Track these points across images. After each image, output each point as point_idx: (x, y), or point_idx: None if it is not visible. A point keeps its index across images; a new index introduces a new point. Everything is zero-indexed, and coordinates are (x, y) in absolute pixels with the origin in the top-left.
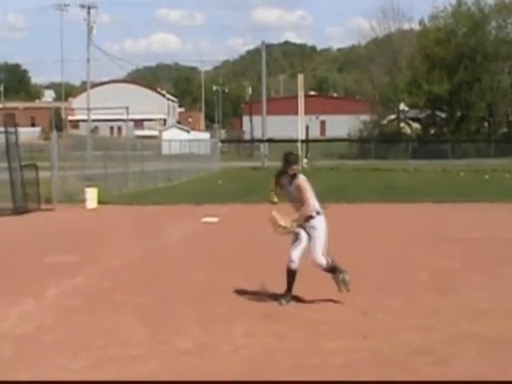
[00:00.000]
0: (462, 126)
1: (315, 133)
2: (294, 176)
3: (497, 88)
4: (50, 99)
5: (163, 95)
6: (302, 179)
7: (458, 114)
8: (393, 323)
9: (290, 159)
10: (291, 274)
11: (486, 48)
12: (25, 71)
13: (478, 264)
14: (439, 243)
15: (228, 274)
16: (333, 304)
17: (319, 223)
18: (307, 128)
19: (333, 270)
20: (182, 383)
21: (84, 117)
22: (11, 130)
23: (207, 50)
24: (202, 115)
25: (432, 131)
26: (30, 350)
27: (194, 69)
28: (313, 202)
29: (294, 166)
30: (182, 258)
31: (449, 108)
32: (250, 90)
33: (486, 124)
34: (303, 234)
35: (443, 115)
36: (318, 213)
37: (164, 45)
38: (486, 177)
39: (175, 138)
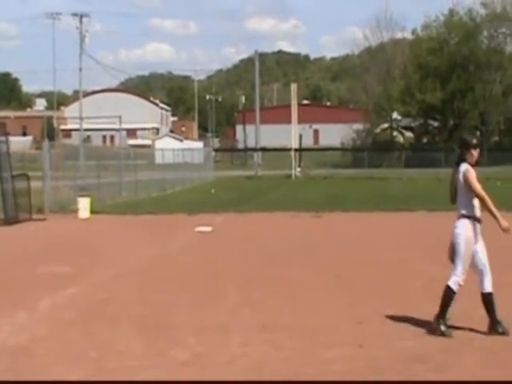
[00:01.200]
0: (454, 135)
1: (308, 142)
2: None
3: (489, 97)
4: (41, 108)
5: (156, 104)
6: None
7: (451, 122)
8: (389, 331)
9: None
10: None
11: (479, 57)
12: (16, 80)
13: (472, 271)
14: (434, 251)
15: (224, 283)
16: (329, 313)
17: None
18: (300, 137)
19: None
20: (182, 383)
21: (76, 126)
22: (2, 139)
23: (201, 60)
24: (195, 124)
25: (425, 140)
26: (25, 362)
27: (187, 78)
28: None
29: (471, 150)
30: (177, 267)
31: (441, 117)
32: (243, 99)
33: (479, 133)
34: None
35: (436, 124)
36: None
37: (158, 54)
38: None
39: (168, 147)
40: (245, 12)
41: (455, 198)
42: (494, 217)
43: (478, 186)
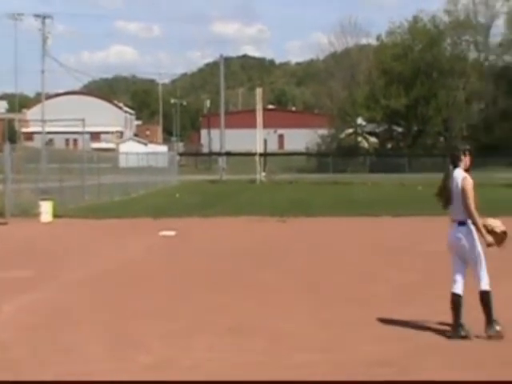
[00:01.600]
0: (418, 141)
1: (273, 146)
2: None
3: (452, 103)
4: (3, 110)
5: (120, 108)
6: (463, 175)
7: (415, 128)
8: (354, 336)
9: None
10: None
11: (442, 64)
12: None
13: (437, 276)
14: (399, 256)
15: (189, 287)
16: (294, 317)
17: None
18: (265, 141)
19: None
20: (182, 383)
21: (38, 129)
22: None
23: (165, 63)
24: (159, 128)
25: (389, 145)
26: None
27: (151, 81)
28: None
29: (462, 157)
30: (141, 272)
31: (406, 123)
32: (208, 103)
33: (442, 139)
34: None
35: (400, 130)
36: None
37: (121, 57)
38: None
39: (132, 151)
40: (209, 16)
41: (449, 203)
42: (480, 232)
43: (471, 202)
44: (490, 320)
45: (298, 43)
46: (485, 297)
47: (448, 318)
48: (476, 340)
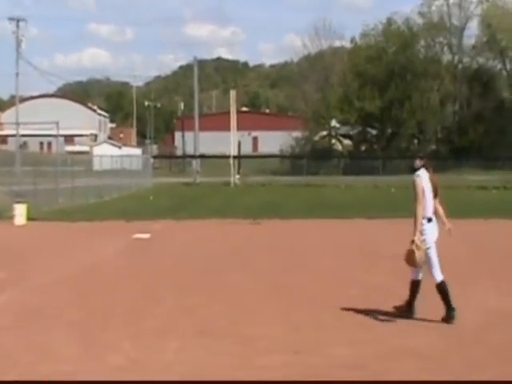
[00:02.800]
0: (392, 143)
1: (247, 149)
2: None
3: (426, 106)
4: None
5: (94, 110)
6: (415, 175)
7: (389, 131)
8: (325, 338)
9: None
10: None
11: (416, 66)
12: None
13: (408, 279)
14: (371, 259)
15: (161, 289)
16: (266, 320)
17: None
18: (239, 144)
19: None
20: (182, 383)
21: (12, 132)
22: None
23: (138, 66)
24: (133, 131)
25: (363, 148)
26: None
27: (125, 84)
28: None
29: (417, 160)
30: (114, 274)
31: (380, 125)
32: (182, 106)
33: (416, 141)
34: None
35: (374, 132)
36: (428, 220)
37: (95, 60)
38: None
39: (106, 154)
40: (182, 18)
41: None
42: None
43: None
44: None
45: (272, 46)
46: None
47: (419, 320)
48: (446, 343)
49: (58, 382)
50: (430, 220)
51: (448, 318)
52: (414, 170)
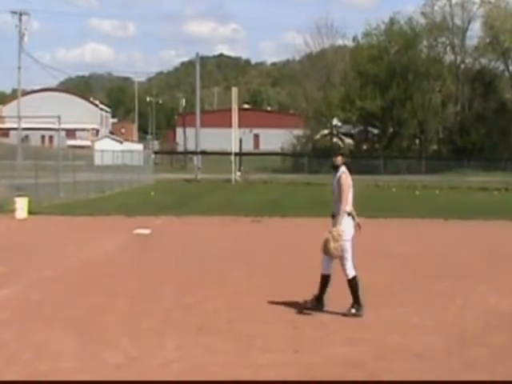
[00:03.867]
0: (393, 143)
1: (249, 146)
2: (337, 168)
3: (428, 106)
4: None
5: (96, 105)
6: (342, 172)
7: (390, 130)
8: (324, 337)
9: (334, 148)
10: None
11: (418, 66)
12: None
13: (408, 279)
14: (371, 258)
15: (160, 286)
16: (265, 318)
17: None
18: (241, 141)
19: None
20: (182, 383)
21: (14, 125)
22: None
23: (140, 61)
24: (135, 126)
25: (364, 147)
26: None
27: (127, 79)
28: (346, 202)
29: (338, 157)
30: (114, 269)
31: (381, 124)
32: (183, 102)
33: (418, 141)
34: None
35: (375, 131)
36: (347, 214)
37: (97, 55)
38: (417, 193)
39: (108, 149)
40: (183, 15)
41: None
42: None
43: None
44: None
45: (272, 43)
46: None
47: (417, 320)
48: (446, 342)
49: (58, 381)
50: (349, 214)
51: (350, 312)
52: (334, 167)
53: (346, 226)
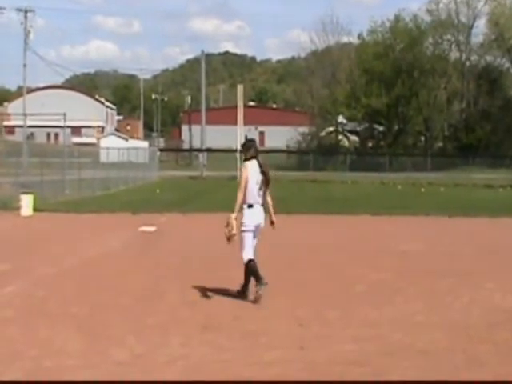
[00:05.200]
0: (399, 140)
1: None
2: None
3: (433, 103)
4: None
5: (102, 102)
6: (243, 165)
7: (396, 127)
8: (329, 334)
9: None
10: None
11: (423, 64)
12: None
13: (413, 276)
14: (376, 255)
15: (165, 283)
16: (270, 315)
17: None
18: (246, 138)
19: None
20: (183, 383)
21: (20, 122)
22: None
23: (145, 58)
24: (140, 123)
25: (370, 144)
26: None
27: (133, 77)
28: (241, 194)
29: (252, 151)
30: (119, 266)
31: (386, 122)
32: (189, 100)
33: (423, 138)
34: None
35: (381, 128)
36: (248, 206)
37: (102, 52)
38: (423, 190)
39: (113, 146)
40: (188, 12)
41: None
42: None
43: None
44: (257, 281)
45: (277, 40)
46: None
47: (422, 317)
48: (450, 340)
49: (61, 382)
50: (250, 206)
51: (239, 292)
52: (245, 159)
53: (247, 217)
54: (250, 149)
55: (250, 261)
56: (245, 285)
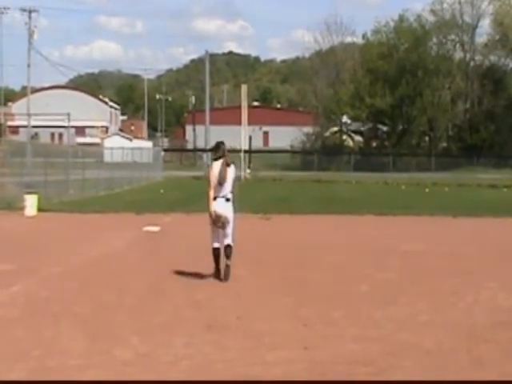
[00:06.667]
0: (403, 140)
1: (258, 143)
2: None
3: (437, 103)
4: None
5: (106, 102)
6: (210, 165)
7: (400, 127)
8: (333, 334)
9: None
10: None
11: (427, 64)
12: None
13: (418, 276)
14: (380, 255)
15: (169, 283)
16: (274, 315)
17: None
18: (250, 138)
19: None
20: (187, 382)
21: (24, 122)
22: None
23: (149, 59)
24: (144, 123)
25: (374, 144)
26: None
27: (137, 77)
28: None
29: (220, 151)
30: (123, 266)
31: (391, 122)
32: (193, 100)
33: (427, 138)
34: None
35: (385, 129)
36: (214, 198)
37: (105, 52)
38: (427, 190)
39: (117, 146)
40: (192, 12)
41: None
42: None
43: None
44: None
45: (281, 40)
46: (228, 248)
47: (427, 317)
48: (454, 340)
49: (65, 381)
50: (215, 198)
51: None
52: (213, 159)
53: (216, 208)
54: (218, 150)
55: (214, 249)
56: (217, 269)
